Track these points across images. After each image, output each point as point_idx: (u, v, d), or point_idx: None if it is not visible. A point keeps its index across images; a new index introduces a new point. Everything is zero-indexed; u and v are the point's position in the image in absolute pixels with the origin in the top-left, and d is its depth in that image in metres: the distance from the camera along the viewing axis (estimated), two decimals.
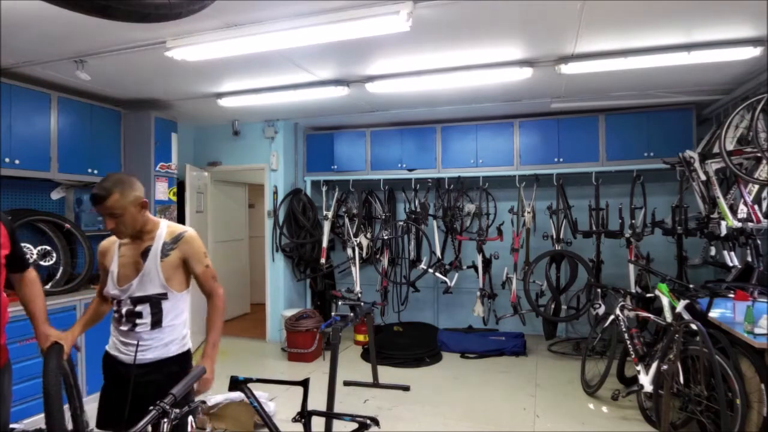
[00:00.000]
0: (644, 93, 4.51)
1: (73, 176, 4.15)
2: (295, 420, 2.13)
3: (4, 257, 1.94)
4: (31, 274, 2.13)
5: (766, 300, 3.15)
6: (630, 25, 3.02)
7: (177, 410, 1.37)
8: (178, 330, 2.01)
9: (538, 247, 5.25)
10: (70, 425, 2.01)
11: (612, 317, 3.92)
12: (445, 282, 5.29)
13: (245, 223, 7.47)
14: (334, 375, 3.25)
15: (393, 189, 6.07)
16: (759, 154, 3.35)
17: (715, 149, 3.85)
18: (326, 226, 5.78)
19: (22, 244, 3.79)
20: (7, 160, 3.56)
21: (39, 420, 3.44)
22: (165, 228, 2.00)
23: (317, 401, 2.75)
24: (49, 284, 3.87)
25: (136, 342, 1.90)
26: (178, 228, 2.04)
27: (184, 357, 2.04)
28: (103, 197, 1.81)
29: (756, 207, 3.55)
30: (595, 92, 4.58)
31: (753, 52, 3.27)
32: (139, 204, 1.90)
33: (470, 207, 5.62)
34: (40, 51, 3.33)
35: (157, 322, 1.94)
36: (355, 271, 5.55)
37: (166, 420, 1.33)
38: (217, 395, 3.43)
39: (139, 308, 1.92)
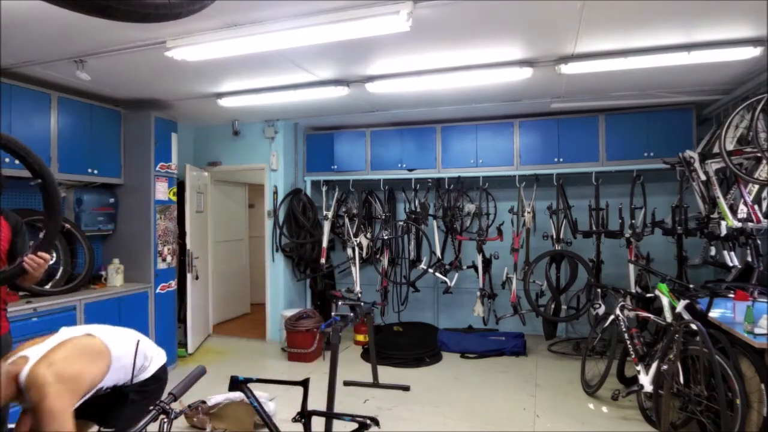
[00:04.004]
0: (644, 93, 4.51)
1: (73, 176, 4.16)
2: (295, 420, 2.13)
3: (5, 252, 2.10)
4: None
5: (766, 300, 3.15)
6: (630, 25, 3.02)
7: (177, 410, 1.37)
8: None
9: (538, 247, 5.24)
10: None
11: (612, 317, 3.92)
12: (445, 282, 5.29)
13: (245, 223, 7.47)
14: (334, 375, 3.25)
15: (393, 189, 6.07)
16: (759, 154, 3.35)
17: (715, 149, 3.85)
18: (326, 226, 5.78)
19: None
20: (7, 160, 3.54)
21: None
22: None
23: (317, 401, 2.75)
24: (49, 284, 3.87)
25: None
26: None
27: None
28: None
29: (756, 207, 3.55)
30: (595, 92, 4.58)
31: (753, 52, 3.28)
32: None
33: (470, 207, 5.62)
34: (40, 51, 3.34)
35: None
36: (355, 271, 5.55)
37: (166, 419, 1.33)
38: (217, 395, 3.43)
39: None
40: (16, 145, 1.82)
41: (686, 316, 3.21)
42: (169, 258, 4.75)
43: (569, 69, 3.64)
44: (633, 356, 3.58)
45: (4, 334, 2.30)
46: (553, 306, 5.07)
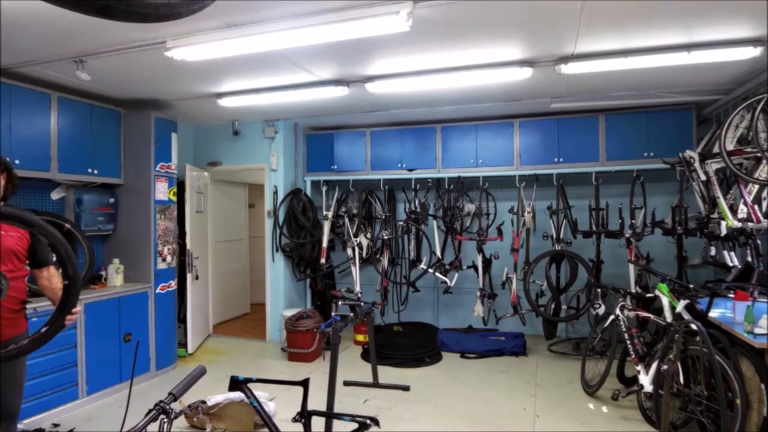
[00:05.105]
0: (644, 93, 4.51)
1: (73, 176, 4.15)
2: (295, 420, 2.13)
3: (24, 252, 2.29)
4: (49, 270, 2.39)
5: (766, 300, 3.16)
6: (630, 25, 3.02)
7: (177, 410, 1.37)
8: None
9: (538, 247, 5.24)
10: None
11: (612, 317, 3.92)
12: (445, 282, 5.29)
13: (245, 223, 7.48)
14: (334, 375, 3.25)
15: (393, 189, 6.07)
16: (759, 154, 3.35)
17: (715, 149, 3.85)
18: (326, 226, 5.78)
19: None
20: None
21: (39, 420, 3.44)
22: None
23: (317, 401, 2.76)
24: None
25: None
26: None
27: None
28: None
29: (756, 207, 3.55)
30: (595, 92, 4.58)
31: (753, 52, 3.28)
32: None
33: (470, 207, 5.62)
34: (40, 51, 3.34)
35: None
36: (355, 271, 5.55)
37: (166, 419, 1.33)
38: (217, 395, 3.43)
39: None
40: (54, 238, 1.92)
41: (686, 316, 3.21)
42: (169, 258, 4.75)
43: (569, 69, 3.64)
44: (633, 356, 3.58)
45: (22, 332, 2.34)
46: (553, 306, 5.07)
